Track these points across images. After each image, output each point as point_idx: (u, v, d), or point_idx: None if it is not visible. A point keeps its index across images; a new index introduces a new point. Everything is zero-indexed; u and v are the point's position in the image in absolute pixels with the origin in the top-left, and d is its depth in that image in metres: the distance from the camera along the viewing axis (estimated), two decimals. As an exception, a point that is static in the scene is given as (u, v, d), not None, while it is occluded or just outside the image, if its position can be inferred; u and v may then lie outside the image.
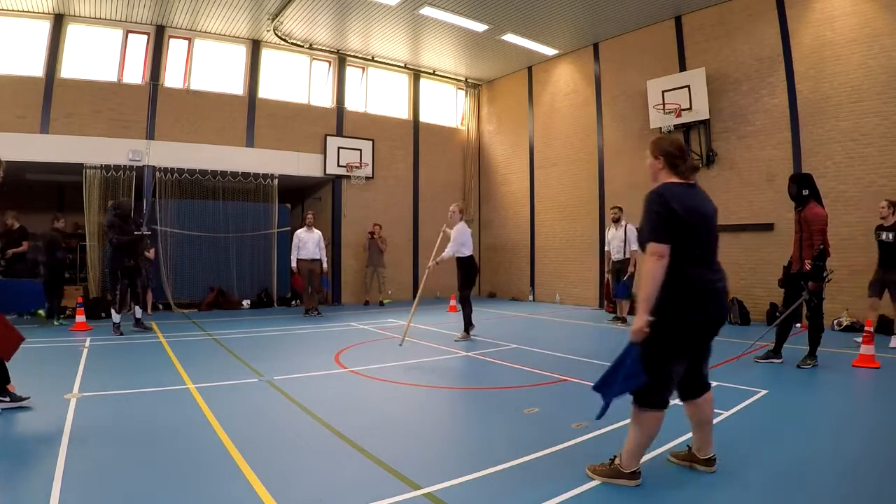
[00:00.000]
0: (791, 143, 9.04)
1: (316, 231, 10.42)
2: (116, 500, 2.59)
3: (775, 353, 5.93)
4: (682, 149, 2.76)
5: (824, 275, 5.68)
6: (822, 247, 5.61)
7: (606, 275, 9.35)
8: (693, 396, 2.82)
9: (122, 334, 7.73)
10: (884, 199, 7.23)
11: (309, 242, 10.23)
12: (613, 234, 9.29)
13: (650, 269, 2.50)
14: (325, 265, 10.53)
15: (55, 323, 8.87)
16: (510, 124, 14.60)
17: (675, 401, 2.77)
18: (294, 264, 10.22)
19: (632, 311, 9.41)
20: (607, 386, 2.64)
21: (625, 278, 8.94)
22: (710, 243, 2.68)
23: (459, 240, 7.44)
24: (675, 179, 2.73)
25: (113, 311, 7.90)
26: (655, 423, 2.67)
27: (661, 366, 2.57)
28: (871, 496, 2.64)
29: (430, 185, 14.57)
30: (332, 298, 12.95)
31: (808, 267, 5.62)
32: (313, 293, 10.51)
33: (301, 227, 10.53)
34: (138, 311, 8.27)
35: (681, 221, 2.51)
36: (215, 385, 4.86)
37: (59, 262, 9.40)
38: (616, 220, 9.29)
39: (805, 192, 5.80)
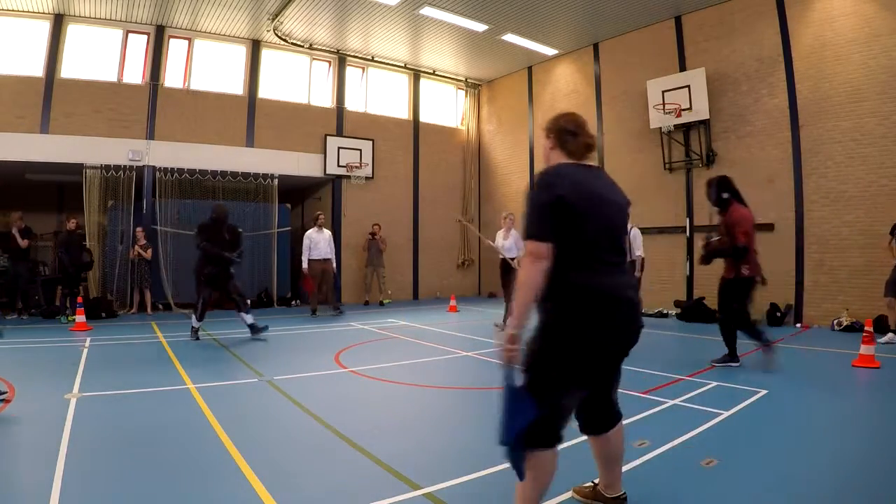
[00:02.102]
0: (791, 143, 9.04)
1: (326, 231, 10.47)
2: (116, 500, 2.59)
3: (731, 356, 5.66)
4: (578, 123, 2.26)
5: (756, 278, 5.46)
6: (736, 245, 5.36)
7: None
8: (600, 430, 2.31)
9: (197, 339, 7.36)
10: None
11: (321, 242, 10.26)
12: None
13: (525, 276, 1.93)
14: (333, 264, 10.58)
15: (63, 320, 8.94)
16: (510, 124, 14.60)
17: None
18: (305, 265, 10.19)
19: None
20: (505, 432, 1.99)
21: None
22: (616, 240, 2.14)
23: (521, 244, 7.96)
24: (567, 160, 2.21)
25: (193, 316, 7.45)
26: (549, 466, 2.10)
27: (554, 397, 2.01)
28: (872, 496, 2.64)
29: (430, 185, 14.57)
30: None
31: (745, 272, 5.39)
32: (328, 292, 10.54)
33: (311, 227, 10.53)
34: (248, 318, 7.49)
35: (570, 211, 1.98)
36: (215, 385, 4.86)
37: (83, 264, 9.54)
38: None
39: (725, 196, 5.65)
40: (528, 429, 1.94)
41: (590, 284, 2.02)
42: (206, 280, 7.40)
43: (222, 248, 7.38)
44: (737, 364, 5.60)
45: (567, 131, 2.23)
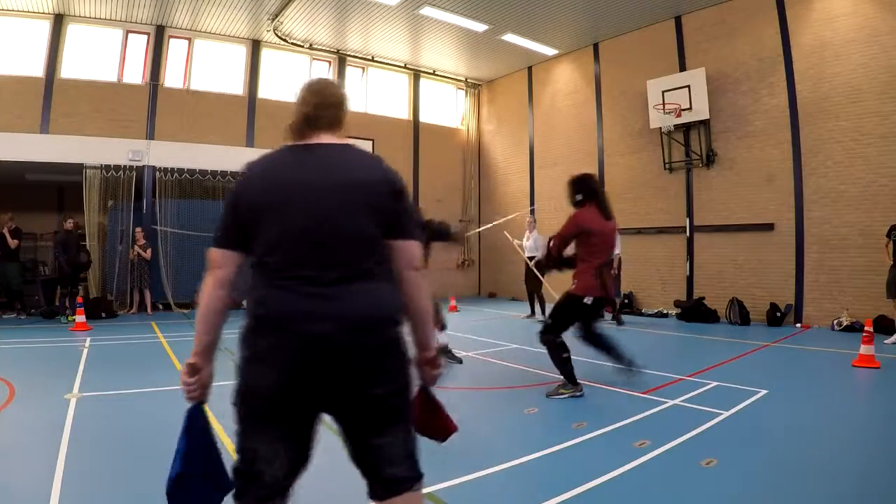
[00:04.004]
0: (791, 143, 9.04)
1: None
2: (116, 500, 2.59)
3: (628, 364, 4.70)
4: (309, 89, 1.72)
5: (584, 298, 4.48)
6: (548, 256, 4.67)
7: None
8: (375, 496, 1.66)
9: (460, 361, 5.94)
10: None
11: None
12: None
13: (204, 291, 1.57)
14: None
15: (63, 320, 8.94)
16: (510, 124, 14.60)
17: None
18: None
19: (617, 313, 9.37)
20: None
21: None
22: (328, 245, 1.49)
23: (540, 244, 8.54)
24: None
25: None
26: None
27: (241, 437, 1.55)
28: (872, 496, 2.64)
29: (430, 185, 14.56)
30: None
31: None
32: None
33: None
34: (442, 338, 5.74)
35: (246, 209, 1.54)
36: (215, 385, 4.80)
37: (80, 264, 9.55)
38: None
39: (579, 197, 4.62)
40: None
41: (255, 305, 1.52)
42: None
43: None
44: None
45: (297, 103, 1.71)
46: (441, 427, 1.78)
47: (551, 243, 4.62)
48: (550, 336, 4.50)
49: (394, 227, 1.57)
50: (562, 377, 4.51)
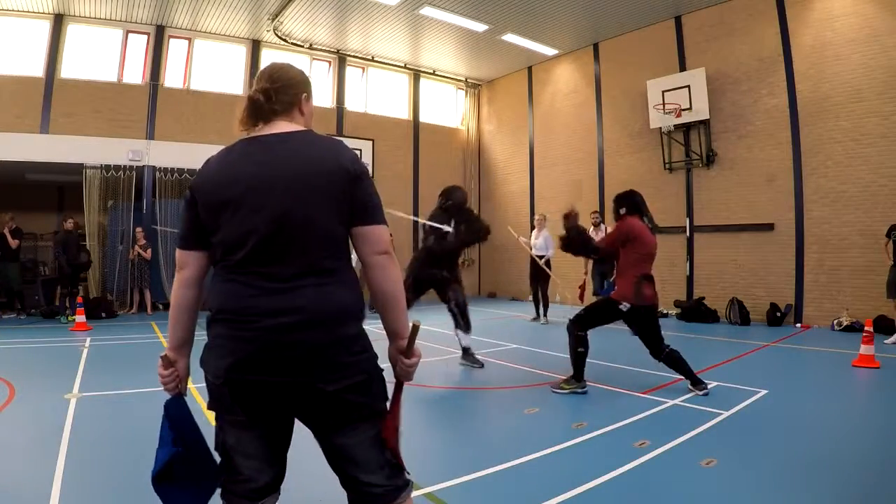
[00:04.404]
0: (791, 143, 9.04)
1: None
2: (116, 500, 2.59)
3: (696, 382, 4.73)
4: (264, 75, 1.66)
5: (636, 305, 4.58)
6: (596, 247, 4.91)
7: (584, 276, 9.54)
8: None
9: (481, 365, 5.77)
10: None
11: None
12: (594, 237, 9.46)
13: (172, 290, 1.62)
14: None
15: (63, 320, 8.94)
16: (510, 124, 14.60)
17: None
18: None
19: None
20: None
21: (611, 279, 9.11)
22: (268, 236, 1.44)
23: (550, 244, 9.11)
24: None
25: (459, 333, 5.87)
26: None
27: (216, 432, 1.60)
28: (872, 496, 2.64)
29: (430, 185, 14.53)
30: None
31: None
32: None
33: None
34: (465, 339, 5.89)
35: (202, 205, 1.52)
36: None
37: (80, 264, 9.55)
38: (596, 225, 9.53)
39: (622, 211, 4.85)
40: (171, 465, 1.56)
41: (212, 300, 1.54)
42: (419, 285, 5.84)
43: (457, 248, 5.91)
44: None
45: (253, 89, 1.63)
46: (388, 438, 1.58)
47: (602, 243, 4.90)
48: (577, 327, 4.64)
49: (355, 214, 1.51)
50: (571, 371, 4.61)
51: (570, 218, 4.81)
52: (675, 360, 4.56)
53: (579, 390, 4.55)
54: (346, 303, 1.50)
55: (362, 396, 1.52)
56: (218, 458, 1.59)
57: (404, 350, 1.59)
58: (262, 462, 1.56)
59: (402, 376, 1.62)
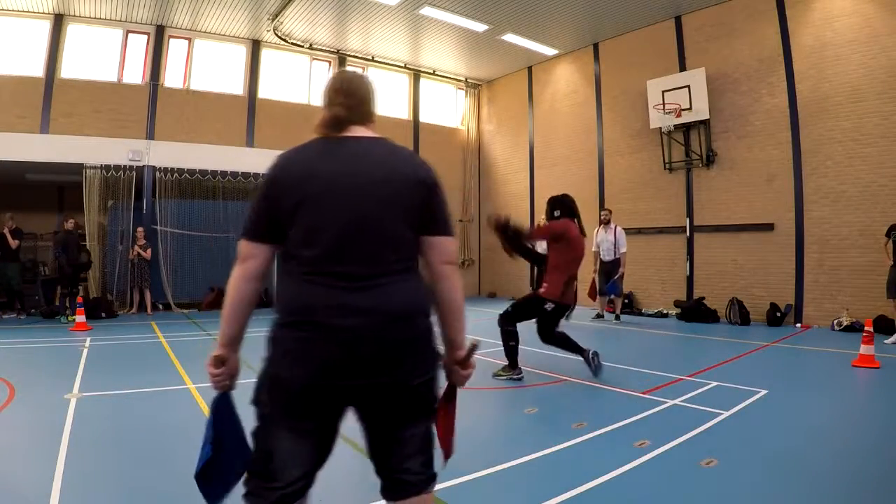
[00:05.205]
0: (791, 143, 9.04)
1: None
2: (116, 500, 2.59)
3: (592, 356, 5.04)
4: (333, 88, 1.66)
5: (546, 304, 4.94)
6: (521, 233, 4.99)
7: (592, 275, 9.54)
8: (388, 497, 1.62)
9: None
10: None
11: None
12: (603, 237, 9.49)
13: (229, 284, 1.55)
14: None
15: (63, 320, 8.94)
16: (510, 124, 14.60)
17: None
18: None
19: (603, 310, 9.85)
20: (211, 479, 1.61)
21: (615, 277, 9.14)
22: (359, 240, 1.48)
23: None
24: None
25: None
26: None
27: (261, 437, 1.54)
28: (872, 496, 2.64)
29: (430, 185, 14.57)
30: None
31: (541, 290, 5.00)
32: None
33: None
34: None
35: (278, 201, 1.50)
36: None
37: (80, 264, 9.56)
38: (606, 223, 9.53)
39: (556, 214, 5.12)
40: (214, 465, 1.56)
41: (287, 300, 1.50)
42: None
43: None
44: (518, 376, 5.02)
45: (324, 100, 1.66)
46: (445, 437, 1.67)
47: (533, 229, 5.08)
48: (506, 323, 5.02)
49: (427, 224, 1.56)
50: (506, 360, 5.07)
51: (499, 223, 4.86)
52: (560, 340, 5.05)
53: (515, 376, 5.00)
54: (421, 300, 1.56)
55: (432, 392, 1.59)
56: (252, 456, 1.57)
57: (461, 361, 1.64)
58: (306, 470, 1.53)
59: (460, 382, 1.69)
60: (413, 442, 1.57)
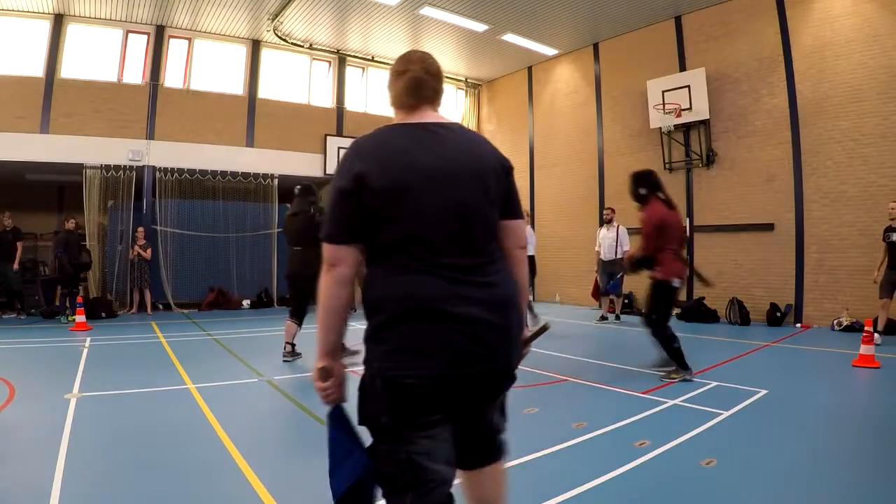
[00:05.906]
0: (791, 143, 9.04)
1: None
2: (116, 500, 2.59)
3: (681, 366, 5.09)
4: (409, 58, 1.62)
5: (670, 282, 4.87)
6: (643, 256, 4.91)
7: (595, 273, 9.53)
8: (471, 465, 1.67)
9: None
10: (892, 200, 7.25)
11: None
12: (605, 235, 9.46)
13: (321, 291, 1.47)
14: None
15: (63, 320, 8.95)
16: (510, 124, 14.60)
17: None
18: None
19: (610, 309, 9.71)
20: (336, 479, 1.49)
21: (617, 276, 9.12)
22: (463, 229, 1.46)
23: (531, 241, 8.46)
24: (395, 121, 1.61)
25: None
26: None
27: (392, 451, 1.44)
28: (872, 496, 2.64)
29: (430, 185, 14.57)
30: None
31: (657, 275, 4.91)
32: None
33: None
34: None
35: (374, 195, 1.42)
36: (215, 385, 4.85)
37: (81, 264, 9.57)
38: (608, 221, 9.49)
39: (643, 191, 5.02)
40: (357, 487, 1.44)
41: (394, 295, 1.42)
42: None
43: None
44: (690, 378, 4.92)
45: (395, 73, 1.61)
46: None
47: (643, 247, 4.93)
48: (661, 330, 4.86)
49: (506, 208, 1.59)
50: (674, 364, 4.93)
51: (632, 264, 5.19)
52: (669, 344, 4.97)
53: (689, 377, 4.90)
54: (514, 285, 1.59)
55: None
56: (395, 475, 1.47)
57: (527, 340, 1.70)
58: (449, 464, 1.51)
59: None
60: (495, 415, 1.68)
